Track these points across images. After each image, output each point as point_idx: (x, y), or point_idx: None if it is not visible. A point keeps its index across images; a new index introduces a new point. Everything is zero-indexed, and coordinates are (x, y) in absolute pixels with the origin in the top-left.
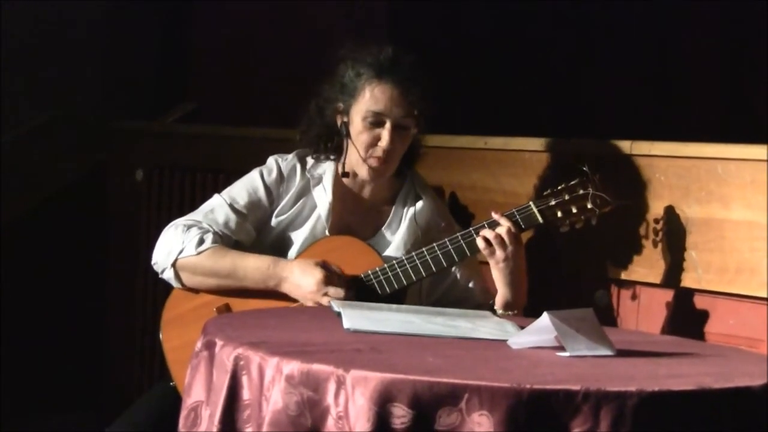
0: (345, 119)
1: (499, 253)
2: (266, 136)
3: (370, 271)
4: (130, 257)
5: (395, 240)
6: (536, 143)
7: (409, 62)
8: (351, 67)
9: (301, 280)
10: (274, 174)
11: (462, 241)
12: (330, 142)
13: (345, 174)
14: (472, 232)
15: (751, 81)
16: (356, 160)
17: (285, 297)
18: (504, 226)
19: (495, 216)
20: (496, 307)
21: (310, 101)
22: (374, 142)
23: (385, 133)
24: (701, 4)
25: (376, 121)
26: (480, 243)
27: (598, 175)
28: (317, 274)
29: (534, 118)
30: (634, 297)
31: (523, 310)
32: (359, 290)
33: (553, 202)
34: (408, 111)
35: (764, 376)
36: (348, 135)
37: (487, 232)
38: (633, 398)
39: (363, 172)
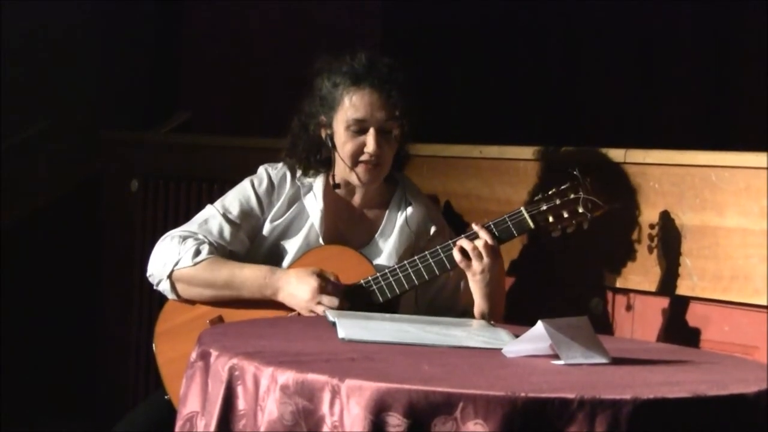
0: (329, 132)
1: (476, 266)
2: (261, 145)
3: (362, 281)
4: (126, 267)
5: (387, 247)
6: (531, 152)
7: (385, 65)
8: (327, 79)
9: (296, 289)
10: (265, 183)
11: (442, 255)
12: (318, 154)
13: (336, 185)
14: (451, 245)
15: (744, 89)
16: (345, 169)
17: (279, 308)
18: (481, 239)
19: (475, 227)
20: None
21: (293, 118)
22: (360, 150)
23: (369, 139)
24: (694, 13)
25: (359, 128)
26: (456, 255)
27: (589, 179)
28: (312, 283)
29: (529, 126)
30: (628, 305)
31: (516, 318)
32: (353, 299)
33: (544, 207)
34: (390, 113)
35: (759, 384)
36: (334, 147)
37: (464, 243)
38: (628, 406)
39: (354, 180)
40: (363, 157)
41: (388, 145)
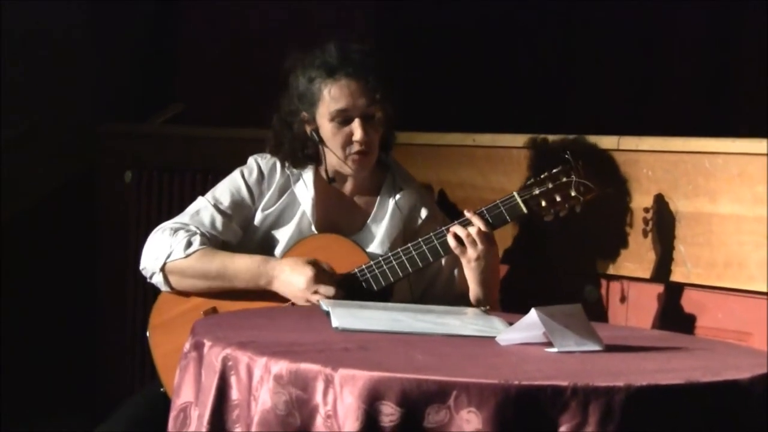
0: (314, 127)
1: (471, 252)
2: (254, 136)
3: (356, 269)
4: (121, 259)
5: (380, 232)
6: (524, 140)
7: (357, 51)
8: (302, 75)
9: (291, 278)
10: (255, 173)
11: (435, 241)
12: (304, 149)
13: (331, 180)
14: (444, 231)
15: (738, 75)
16: (337, 162)
17: (274, 298)
18: (475, 226)
19: (467, 214)
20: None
21: (272, 116)
22: (349, 140)
23: (356, 127)
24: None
25: (343, 119)
26: (451, 242)
27: (581, 162)
28: (308, 272)
29: (522, 114)
30: (622, 292)
31: (510, 306)
32: (347, 289)
33: (537, 191)
34: (371, 99)
35: (753, 370)
36: (321, 142)
37: (458, 230)
38: (621, 393)
39: (347, 170)
40: (353, 148)
41: (374, 131)
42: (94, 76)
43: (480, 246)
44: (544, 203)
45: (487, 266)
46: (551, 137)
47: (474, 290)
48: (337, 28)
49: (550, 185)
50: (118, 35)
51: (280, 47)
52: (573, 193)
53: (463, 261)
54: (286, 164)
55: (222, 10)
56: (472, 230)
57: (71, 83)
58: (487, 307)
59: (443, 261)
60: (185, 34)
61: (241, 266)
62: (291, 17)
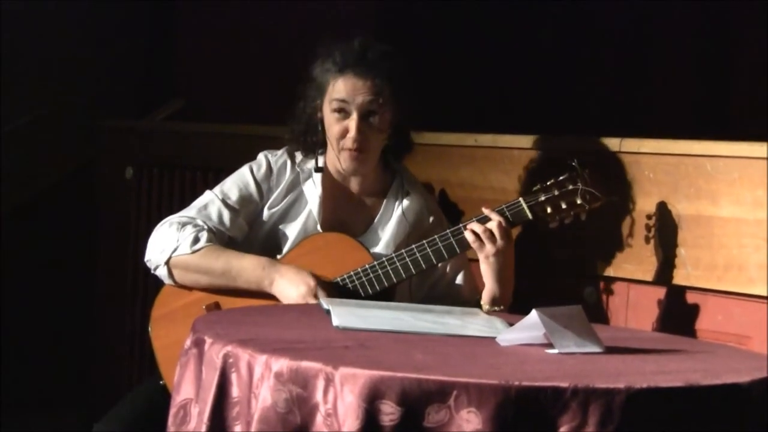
0: (320, 115)
1: (489, 248)
2: (254, 132)
3: (360, 269)
4: (121, 254)
5: (385, 236)
6: (525, 140)
7: (378, 52)
8: (321, 63)
9: (291, 285)
10: (264, 168)
11: (452, 238)
12: (314, 137)
13: (319, 169)
14: (462, 228)
15: (739, 78)
16: (333, 154)
17: (275, 297)
18: (495, 221)
19: (486, 211)
20: (482, 303)
21: (298, 102)
22: (344, 133)
23: (351, 123)
24: (686, 3)
25: (341, 109)
26: (469, 236)
27: (588, 170)
28: (310, 282)
29: (523, 115)
30: (623, 294)
31: (511, 306)
32: (349, 288)
33: (542, 198)
34: (373, 98)
35: (752, 373)
36: (323, 130)
37: (476, 227)
38: (621, 395)
39: (339, 165)
40: (347, 143)
41: (371, 132)
42: (94, 72)
43: (500, 241)
44: (549, 210)
45: (505, 263)
46: (553, 138)
47: (490, 287)
48: (336, 26)
49: (557, 192)
50: (119, 31)
51: (280, 44)
52: (579, 201)
53: (481, 257)
54: (297, 161)
55: (222, 6)
56: (492, 224)
57: (72, 79)
58: (502, 307)
59: (447, 268)
60: (185, 31)
61: (246, 267)
62: (290, 14)
